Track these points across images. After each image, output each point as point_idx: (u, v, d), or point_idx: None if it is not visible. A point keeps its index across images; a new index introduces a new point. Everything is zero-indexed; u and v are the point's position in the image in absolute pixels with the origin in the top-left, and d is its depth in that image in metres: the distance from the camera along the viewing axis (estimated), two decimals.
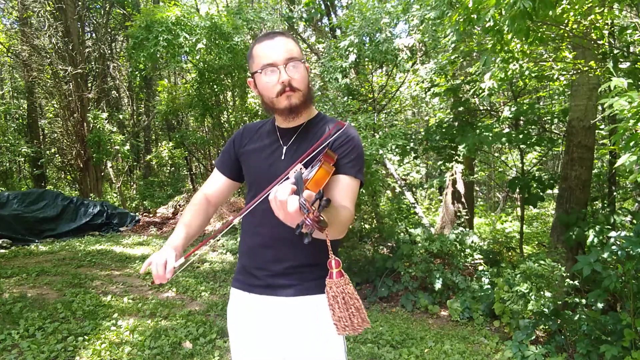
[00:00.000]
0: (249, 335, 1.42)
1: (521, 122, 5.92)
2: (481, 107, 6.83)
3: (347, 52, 5.60)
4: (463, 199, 7.71)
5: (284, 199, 1.00)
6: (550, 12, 2.61)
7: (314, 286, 1.35)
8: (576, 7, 3.13)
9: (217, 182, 1.54)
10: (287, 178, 1.15)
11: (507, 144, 5.16)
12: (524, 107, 5.03)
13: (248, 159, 1.46)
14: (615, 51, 3.80)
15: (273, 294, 1.37)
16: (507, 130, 5.68)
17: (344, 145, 1.33)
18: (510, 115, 5.21)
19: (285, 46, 1.32)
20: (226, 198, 1.59)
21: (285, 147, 1.39)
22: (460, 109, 6.25)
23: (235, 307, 1.47)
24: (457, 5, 3.27)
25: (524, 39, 2.77)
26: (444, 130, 5.88)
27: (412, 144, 6.19)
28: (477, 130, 4.93)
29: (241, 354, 1.45)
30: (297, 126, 1.41)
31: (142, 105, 14.03)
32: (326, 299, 1.13)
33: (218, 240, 7.48)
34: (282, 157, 1.38)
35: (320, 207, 0.99)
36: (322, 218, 0.98)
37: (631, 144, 1.96)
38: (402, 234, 5.84)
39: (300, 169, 1.14)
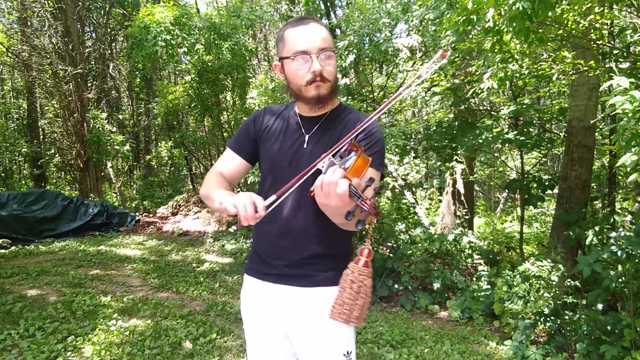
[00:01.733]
0: (261, 322, 1.43)
1: (520, 121, 5.92)
2: (481, 107, 6.83)
3: (346, 52, 5.59)
4: (463, 199, 7.71)
5: (335, 180, 0.97)
6: (550, 13, 2.61)
7: (330, 278, 1.35)
8: (575, 7, 3.13)
9: (231, 163, 1.47)
10: (317, 169, 1.13)
11: (506, 144, 5.16)
12: (523, 106, 5.04)
13: (268, 142, 1.42)
14: (615, 51, 3.80)
15: (288, 283, 1.36)
16: (507, 130, 5.68)
17: (368, 137, 1.32)
18: (510, 115, 5.21)
19: (319, 34, 1.29)
20: (238, 180, 1.53)
21: (307, 136, 1.37)
22: (461, 107, 6.25)
23: (248, 294, 1.48)
24: (457, 6, 3.27)
25: (523, 39, 2.77)
26: (443, 130, 5.88)
27: (412, 143, 6.19)
28: (477, 131, 4.93)
29: (254, 341, 1.46)
30: (320, 115, 1.39)
31: (142, 106, 14.02)
32: (342, 279, 1.13)
33: (218, 240, 7.48)
34: (305, 146, 1.36)
35: (375, 193, 0.98)
36: (377, 204, 0.98)
37: (632, 143, 1.96)
38: (402, 234, 5.83)
39: (330, 159, 1.11)
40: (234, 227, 1.17)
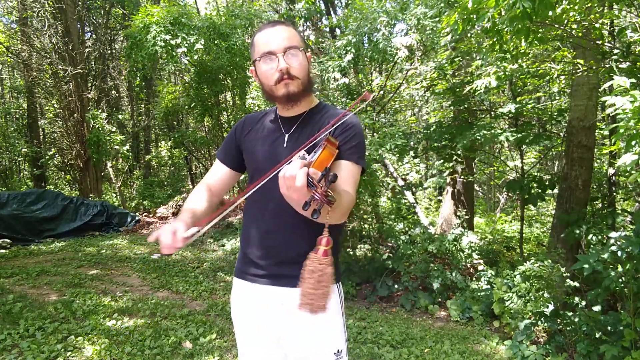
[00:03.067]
0: (252, 324, 1.43)
1: (520, 121, 5.92)
2: (481, 107, 6.83)
3: (345, 51, 5.59)
4: (463, 199, 7.71)
5: (293, 173, 1.00)
6: (550, 13, 2.61)
7: None
8: (576, 7, 3.13)
9: (218, 173, 1.53)
10: (290, 163, 1.18)
11: (506, 142, 5.17)
12: (523, 106, 5.04)
13: (250, 147, 1.46)
14: (616, 51, 3.80)
15: (276, 284, 1.37)
16: (506, 129, 5.68)
17: (345, 132, 1.34)
18: (510, 115, 5.21)
19: (284, 34, 1.33)
20: (228, 188, 1.58)
21: (287, 135, 1.40)
22: (461, 107, 6.25)
23: (237, 297, 1.48)
24: (456, 5, 3.27)
25: (523, 39, 2.77)
26: (443, 130, 5.88)
27: (412, 143, 6.18)
28: (475, 128, 4.93)
29: (245, 344, 1.47)
30: (299, 115, 1.42)
31: (142, 106, 14.02)
32: (302, 270, 1.15)
33: (218, 240, 7.48)
34: (284, 145, 1.38)
35: (327, 182, 1.00)
36: (330, 193, 1.00)
37: (632, 143, 1.95)
38: (402, 234, 5.84)
39: (303, 154, 1.15)
40: (156, 255, 1.23)
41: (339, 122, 1.32)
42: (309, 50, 1.59)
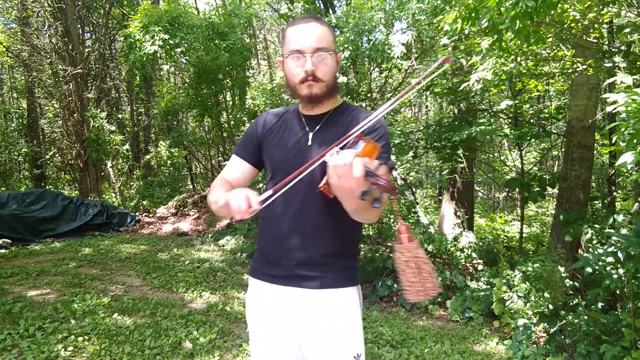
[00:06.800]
0: (269, 326, 1.39)
1: (520, 120, 5.92)
2: (480, 107, 6.83)
3: (342, 49, 5.58)
4: (463, 199, 7.70)
5: (348, 162, 0.96)
6: (552, 12, 2.61)
7: (339, 279, 1.33)
8: (577, 4, 3.12)
9: (238, 169, 1.45)
10: (324, 161, 1.12)
11: (506, 142, 5.16)
12: (521, 102, 5.05)
13: (272, 144, 1.42)
14: (615, 50, 3.79)
15: (297, 285, 1.33)
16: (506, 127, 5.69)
17: (373, 132, 1.31)
18: (509, 112, 5.21)
19: (316, 33, 1.29)
20: (247, 186, 1.48)
21: (311, 134, 1.36)
22: (460, 106, 6.24)
23: (254, 297, 1.43)
24: (454, 3, 3.26)
25: (524, 38, 2.76)
26: (443, 130, 5.88)
27: (410, 143, 6.18)
28: (474, 126, 4.93)
29: (260, 346, 1.42)
30: (323, 114, 1.39)
31: (142, 105, 14.02)
32: (396, 263, 1.12)
33: (218, 240, 7.48)
34: (309, 143, 1.35)
35: (389, 170, 0.98)
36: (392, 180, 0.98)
37: (634, 141, 1.93)
38: None
39: (337, 152, 1.10)
40: (230, 221, 1.17)
41: (372, 120, 1.25)
42: (339, 51, 1.55)
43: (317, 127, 1.37)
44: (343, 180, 0.99)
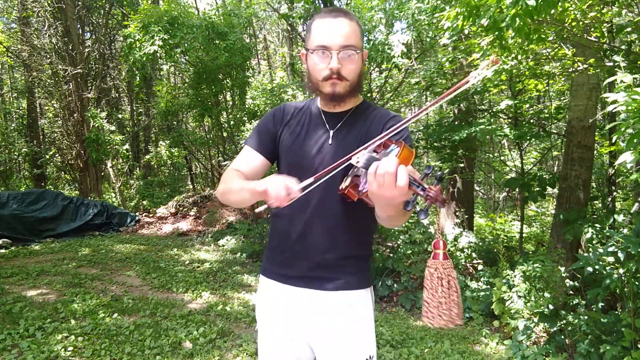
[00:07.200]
0: (280, 327, 1.36)
1: (520, 120, 5.92)
2: (480, 107, 6.83)
3: None
4: (463, 199, 7.70)
5: (392, 171, 0.90)
6: (552, 11, 2.61)
7: (353, 281, 1.31)
8: (578, 2, 3.12)
9: (252, 161, 1.38)
10: (352, 162, 1.07)
11: (506, 142, 5.17)
12: (521, 101, 5.05)
13: (289, 139, 1.36)
14: (616, 49, 3.79)
15: (309, 286, 1.30)
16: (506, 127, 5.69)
17: (398, 134, 1.26)
18: (509, 111, 5.21)
19: (344, 30, 1.23)
20: (259, 178, 1.37)
21: (332, 132, 1.32)
22: (459, 106, 6.24)
23: (266, 297, 1.41)
24: (454, 2, 3.25)
25: (524, 37, 2.76)
26: (443, 129, 5.88)
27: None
28: (474, 126, 4.93)
29: (269, 347, 1.40)
30: (344, 112, 1.34)
31: (142, 105, 14.02)
32: (426, 279, 1.08)
33: (218, 240, 7.48)
34: (330, 142, 1.31)
35: (437, 181, 0.92)
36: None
37: (634, 141, 1.93)
38: (401, 234, 5.83)
39: (368, 153, 1.05)
40: (262, 208, 1.11)
41: (406, 123, 1.19)
42: (364, 49, 1.51)
43: (338, 126, 1.33)
44: (384, 189, 0.93)
